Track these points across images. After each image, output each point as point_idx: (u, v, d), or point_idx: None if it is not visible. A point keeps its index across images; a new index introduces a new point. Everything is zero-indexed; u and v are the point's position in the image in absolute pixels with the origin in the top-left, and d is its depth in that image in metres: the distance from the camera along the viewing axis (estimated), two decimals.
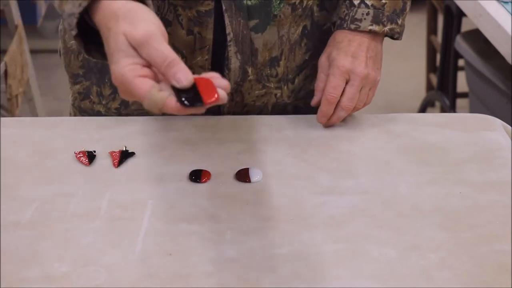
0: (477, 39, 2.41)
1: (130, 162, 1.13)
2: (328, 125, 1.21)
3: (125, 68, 0.86)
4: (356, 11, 1.20)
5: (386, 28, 1.20)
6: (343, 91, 1.18)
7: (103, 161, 1.14)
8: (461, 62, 2.68)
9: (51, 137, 1.19)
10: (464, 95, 2.81)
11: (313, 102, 1.22)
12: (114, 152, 1.15)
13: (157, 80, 0.88)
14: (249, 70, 1.22)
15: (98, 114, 1.28)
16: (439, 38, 3.03)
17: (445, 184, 1.09)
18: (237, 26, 1.18)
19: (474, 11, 2.19)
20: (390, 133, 1.21)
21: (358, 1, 1.20)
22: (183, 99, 0.84)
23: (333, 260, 0.94)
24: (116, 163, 1.13)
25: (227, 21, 1.18)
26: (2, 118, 1.24)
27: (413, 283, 0.91)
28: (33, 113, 2.87)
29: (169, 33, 1.16)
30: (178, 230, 0.99)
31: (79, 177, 1.10)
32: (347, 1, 1.21)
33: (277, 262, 0.94)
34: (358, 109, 1.21)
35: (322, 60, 1.22)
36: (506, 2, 2.11)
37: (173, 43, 1.19)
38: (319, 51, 1.28)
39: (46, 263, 0.94)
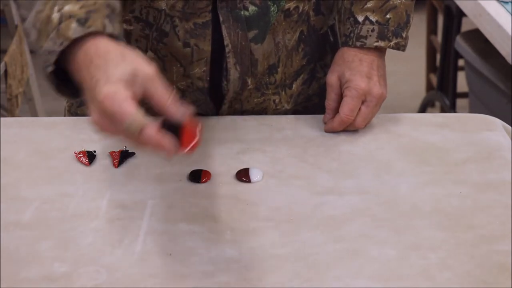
0: (477, 39, 2.41)
1: (130, 162, 1.13)
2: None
3: (121, 88, 0.85)
4: (361, 28, 1.20)
5: (392, 43, 1.20)
6: (358, 111, 1.19)
7: (103, 161, 1.14)
8: (461, 62, 2.68)
9: (51, 137, 1.19)
10: (464, 95, 2.81)
11: (325, 119, 1.22)
12: (114, 152, 1.15)
13: None
14: (249, 80, 1.22)
15: None
16: (439, 38, 3.03)
17: (445, 184, 1.09)
18: (235, 38, 1.18)
19: (474, 11, 2.19)
20: (390, 133, 1.21)
21: (363, 18, 1.20)
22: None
23: (333, 260, 0.94)
24: (116, 163, 1.13)
25: (224, 32, 1.17)
26: (2, 118, 1.24)
27: (413, 283, 0.91)
28: (33, 113, 2.87)
29: (165, 44, 1.16)
30: (178, 230, 0.99)
31: (79, 177, 1.10)
32: (351, 18, 1.21)
33: (277, 262, 0.94)
34: (366, 125, 1.22)
35: (333, 80, 1.21)
36: (506, 2, 2.11)
37: (171, 52, 1.18)
38: (316, 56, 1.28)
39: (46, 263, 0.94)
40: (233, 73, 1.20)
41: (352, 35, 1.20)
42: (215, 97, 1.24)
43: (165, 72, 1.20)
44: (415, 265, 0.93)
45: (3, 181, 1.09)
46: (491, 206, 1.04)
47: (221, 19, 1.17)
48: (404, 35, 1.22)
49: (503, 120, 1.25)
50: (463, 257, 0.95)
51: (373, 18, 1.20)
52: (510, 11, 2.08)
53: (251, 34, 1.18)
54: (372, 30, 1.19)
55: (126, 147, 1.16)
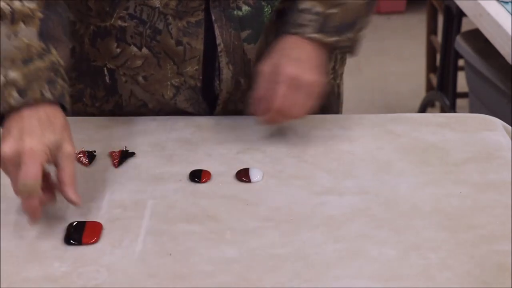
0: (477, 39, 2.41)
1: (130, 162, 1.13)
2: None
3: (44, 153, 0.97)
4: (302, 16, 1.14)
5: (331, 39, 1.14)
6: (291, 99, 1.12)
7: (103, 161, 1.14)
8: (461, 62, 2.68)
9: None
10: (464, 95, 2.81)
11: (253, 110, 1.16)
12: (114, 152, 1.15)
13: None
14: (242, 80, 1.21)
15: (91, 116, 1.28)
16: (439, 38, 3.03)
17: (445, 184, 1.09)
18: (227, 37, 1.17)
19: (474, 11, 2.19)
20: (390, 133, 1.21)
21: (306, 6, 1.14)
22: (70, 239, 0.98)
23: (333, 260, 0.94)
24: (116, 163, 1.13)
25: (217, 32, 1.17)
26: None
27: (413, 283, 0.91)
28: None
29: (158, 41, 1.17)
30: (178, 230, 0.99)
31: (79, 177, 1.10)
32: (296, 6, 1.16)
33: (277, 262, 0.94)
34: (304, 116, 1.15)
35: (264, 67, 1.14)
36: (506, 2, 2.12)
37: (164, 49, 1.19)
38: None
39: (46, 263, 0.94)
40: (226, 72, 1.19)
41: (292, 21, 1.15)
42: (208, 97, 1.23)
43: (160, 69, 1.20)
44: (415, 265, 0.93)
45: (3, 181, 1.09)
46: (491, 206, 1.04)
47: (213, 18, 1.17)
48: (349, 35, 1.15)
49: (503, 120, 1.25)
50: (463, 257, 0.95)
51: (317, 8, 1.14)
52: (510, 11, 2.08)
53: (244, 34, 1.18)
54: (312, 20, 1.14)
55: (126, 147, 1.16)
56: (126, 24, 1.18)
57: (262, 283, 0.91)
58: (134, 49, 1.20)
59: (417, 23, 4.03)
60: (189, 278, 0.92)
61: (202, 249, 0.96)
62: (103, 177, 1.10)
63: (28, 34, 1.03)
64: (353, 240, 0.98)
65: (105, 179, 1.10)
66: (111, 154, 1.15)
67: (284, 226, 1.00)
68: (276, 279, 0.91)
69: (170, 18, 1.17)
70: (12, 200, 1.05)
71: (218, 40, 1.17)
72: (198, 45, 1.18)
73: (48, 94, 1.01)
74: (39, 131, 0.98)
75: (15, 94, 1.00)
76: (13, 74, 1.01)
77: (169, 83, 1.21)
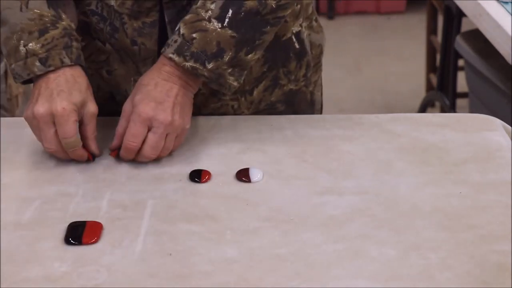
0: (477, 39, 2.41)
1: (130, 162, 1.13)
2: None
3: (74, 110, 1.08)
4: (172, 36, 1.12)
5: (187, 64, 1.10)
6: (145, 138, 1.10)
7: (103, 161, 1.14)
8: (461, 62, 2.68)
9: None
10: (464, 95, 2.81)
11: (111, 146, 1.14)
12: (114, 152, 1.15)
13: None
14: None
15: None
16: (439, 38, 3.03)
17: (445, 184, 1.09)
18: None
19: (474, 11, 2.19)
20: (390, 133, 1.21)
21: (177, 27, 1.12)
22: (70, 239, 0.98)
23: (333, 260, 0.94)
24: (114, 154, 1.13)
25: (170, 33, 1.16)
26: (2, 118, 1.24)
27: (413, 283, 0.91)
28: None
29: (117, 39, 1.19)
30: (178, 230, 0.99)
31: (79, 177, 1.10)
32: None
33: (277, 262, 0.94)
34: (162, 156, 1.13)
35: (126, 105, 1.13)
36: (506, 2, 2.12)
37: (122, 48, 1.20)
38: (278, 62, 1.25)
39: (46, 263, 0.94)
40: None
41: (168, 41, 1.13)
42: None
43: (123, 65, 1.22)
44: (415, 265, 0.94)
45: (3, 181, 1.09)
46: (491, 206, 1.04)
47: (166, 19, 1.16)
48: (208, 66, 1.10)
49: (503, 120, 1.25)
50: (463, 257, 0.95)
51: (182, 30, 1.11)
52: (510, 11, 2.08)
53: None
54: (175, 41, 1.10)
55: None
56: (88, 20, 1.21)
57: (262, 283, 0.91)
58: (99, 43, 1.22)
59: (417, 23, 4.03)
60: (189, 278, 0.92)
61: (202, 249, 0.96)
62: (103, 177, 1.10)
63: (37, 4, 1.12)
64: (353, 240, 0.98)
65: (105, 179, 1.10)
66: (111, 154, 1.15)
67: (284, 226, 1.00)
68: (276, 279, 0.91)
69: (126, 18, 1.17)
70: (12, 200, 1.05)
71: None
72: (152, 45, 1.18)
73: (66, 60, 1.11)
74: (67, 90, 1.09)
75: (37, 63, 1.10)
76: (33, 45, 1.10)
77: (132, 79, 1.21)
